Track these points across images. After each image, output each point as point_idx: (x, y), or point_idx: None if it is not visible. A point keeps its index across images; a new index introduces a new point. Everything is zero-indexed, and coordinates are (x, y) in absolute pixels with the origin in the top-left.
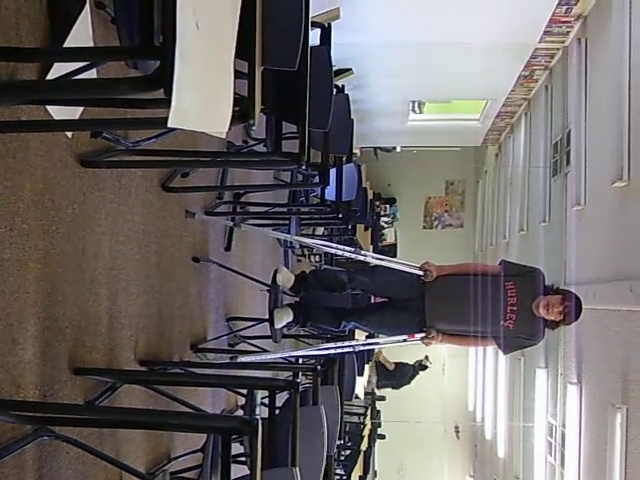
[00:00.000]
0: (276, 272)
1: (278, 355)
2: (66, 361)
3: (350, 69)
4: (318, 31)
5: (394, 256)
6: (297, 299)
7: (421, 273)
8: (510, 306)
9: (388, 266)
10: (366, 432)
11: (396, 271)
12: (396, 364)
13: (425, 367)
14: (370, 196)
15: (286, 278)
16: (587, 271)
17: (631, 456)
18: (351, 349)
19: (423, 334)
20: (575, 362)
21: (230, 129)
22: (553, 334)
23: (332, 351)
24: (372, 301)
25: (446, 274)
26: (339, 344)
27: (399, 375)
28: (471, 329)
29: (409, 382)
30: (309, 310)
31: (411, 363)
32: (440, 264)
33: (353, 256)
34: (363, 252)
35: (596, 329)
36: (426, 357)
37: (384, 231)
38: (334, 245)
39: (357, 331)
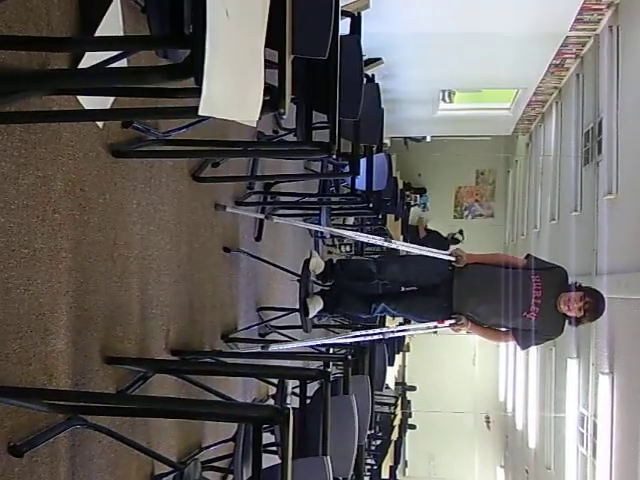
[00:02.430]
0: (310, 256)
1: (309, 343)
2: (98, 350)
3: (380, 58)
4: (348, 20)
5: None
6: (326, 288)
7: (453, 258)
8: (535, 299)
9: (417, 254)
10: (397, 422)
11: (425, 259)
12: (428, 232)
13: (458, 241)
14: (400, 186)
15: (318, 264)
16: (619, 260)
17: None
18: (381, 336)
19: (453, 320)
20: (607, 352)
21: (260, 118)
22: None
23: (362, 338)
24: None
25: (475, 262)
26: (369, 331)
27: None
28: (494, 316)
29: None
30: (339, 296)
31: (444, 235)
32: (470, 252)
33: (385, 244)
34: (393, 241)
35: (628, 319)
36: (460, 231)
37: None
38: (364, 235)
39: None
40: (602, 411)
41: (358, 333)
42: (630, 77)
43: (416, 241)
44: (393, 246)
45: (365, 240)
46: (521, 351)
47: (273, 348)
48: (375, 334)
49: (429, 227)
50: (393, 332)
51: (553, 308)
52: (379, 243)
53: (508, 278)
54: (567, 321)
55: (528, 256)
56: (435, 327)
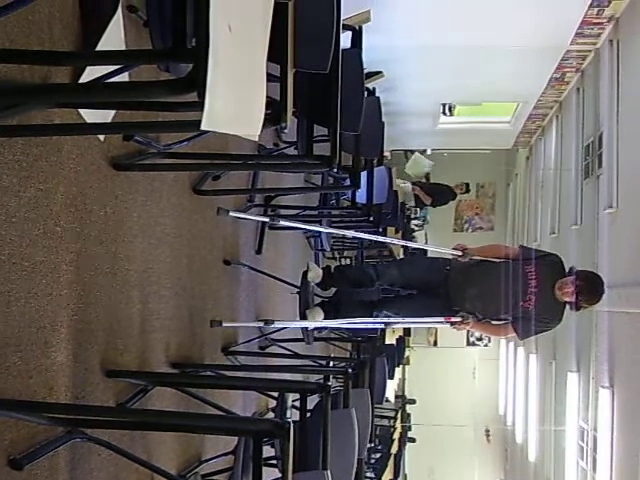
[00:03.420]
0: (307, 270)
1: (310, 325)
2: (98, 363)
3: (381, 72)
4: (349, 34)
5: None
6: (326, 299)
7: (459, 253)
8: (530, 288)
9: (415, 260)
10: (396, 435)
11: (424, 261)
12: (430, 193)
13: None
14: (401, 199)
15: (316, 274)
16: (619, 274)
17: None
18: (383, 326)
19: (460, 318)
20: (607, 366)
21: (262, 132)
22: (584, 337)
23: (365, 326)
24: None
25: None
26: (372, 320)
27: (436, 203)
28: (493, 309)
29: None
30: (339, 306)
31: (448, 185)
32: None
33: (387, 240)
34: (395, 239)
35: (628, 332)
36: (467, 186)
37: (414, 234)
38: (366, 235)
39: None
40: (602, 425)
41: (362, 320)
42: (630, 91)
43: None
44: (395, 242)
45: (365, 237)
46: (520, 341)
47: (277, 324)
48: (378, 323)
49: (429, 182)
50: (397, 323)
51: (551, 296)
52: (381, 240)
53: (503, 271)
54: (568, 307)
55: (521, 247)
56: (442, 322)
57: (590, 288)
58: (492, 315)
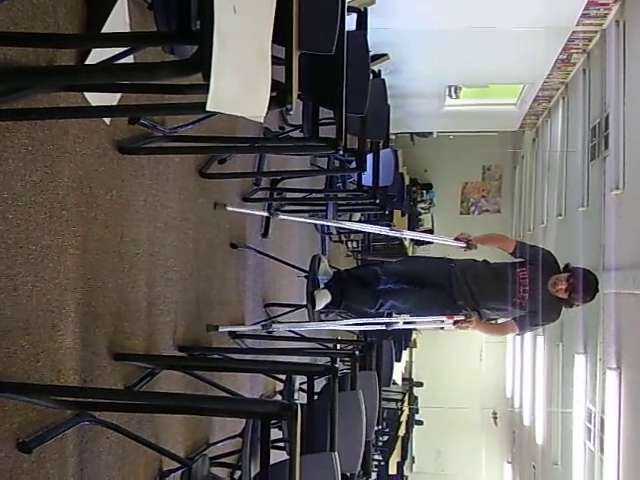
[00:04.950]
0: (320, 260)
1: (314, 326)
2: (105, 347)
3: (386, 54)
4: (354, 16)
5: (431, 242)
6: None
7: (463, 244)
8: (523, 286)
9: (420, 256)
10: (404, 418)
11: (428, 259)
12: None
13: None
14: (407, 182)
15: (326, 271)
16: (626, 256)
17: None
18: (389, 327)
19: (463, 317)
20: (614, 347)
21: (267, 114)
22: (592, 319)
23: (370, 327)
24: None
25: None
26: (377, 320)
27: None
28: (491, 305)
29: None
30: (346, 290)
31: None
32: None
33: (390, 234)
34: (399, 230)
35: (635, 314)
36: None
37: (421, 217)
38: (370, 226)
39: None
40: (609, 406)
41: (367, 321)
42: (637, 72)
43: None
44: (398, 235)
45: (371, 230)
46: (516, 336)
47: (280, 327)
48: (383, 323)
49: None
50: (399, 323)
51: (545, 293)
52: (384, 232)
53: (501, 270)
54: (565, 304)
55: (518, 242)
56: (443, 322)
57: (582, 286)
58: (489, 306)
